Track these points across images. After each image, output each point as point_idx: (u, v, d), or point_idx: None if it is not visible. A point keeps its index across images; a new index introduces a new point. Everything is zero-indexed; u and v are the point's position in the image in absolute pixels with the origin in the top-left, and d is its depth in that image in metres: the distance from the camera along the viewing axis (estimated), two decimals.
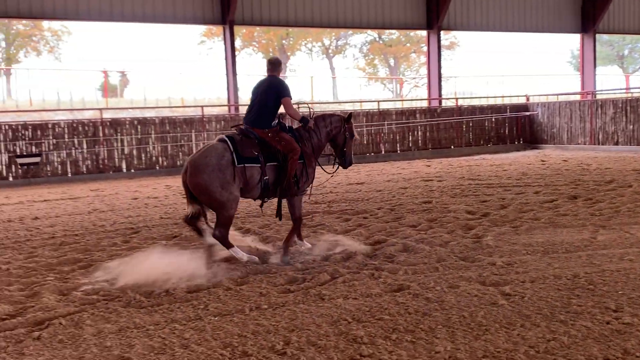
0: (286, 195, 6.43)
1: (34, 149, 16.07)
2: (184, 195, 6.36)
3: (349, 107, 24.43)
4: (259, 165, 6.16)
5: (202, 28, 39.88)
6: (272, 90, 6.36)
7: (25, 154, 15.77)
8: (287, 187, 6.34)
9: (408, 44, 47.56)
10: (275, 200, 6.64)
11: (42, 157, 16.03)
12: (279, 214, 6.67)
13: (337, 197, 10.56)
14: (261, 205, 6.77)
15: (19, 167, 15.72)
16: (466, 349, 3.78)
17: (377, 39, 47.17)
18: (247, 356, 3.75)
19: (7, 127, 16.00)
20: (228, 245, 6.03)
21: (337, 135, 6.86)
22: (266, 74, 6.55)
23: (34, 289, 5.39)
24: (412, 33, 43.35)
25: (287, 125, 6.56)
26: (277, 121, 6.45)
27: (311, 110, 6.83)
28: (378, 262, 5.94)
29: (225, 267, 5.91)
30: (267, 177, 6.21)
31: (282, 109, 6.49)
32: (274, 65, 6.55)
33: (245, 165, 6.07)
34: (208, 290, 5.17)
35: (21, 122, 16.53)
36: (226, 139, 6.15)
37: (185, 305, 4.79)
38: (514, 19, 23.58)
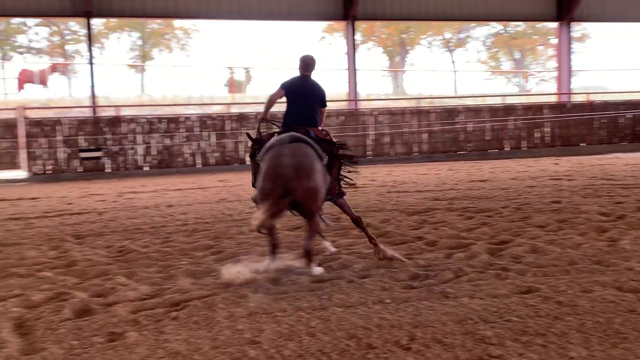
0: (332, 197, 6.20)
1: (167, 141, 17.10)
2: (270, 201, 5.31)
3: (470, 102, 23.80)
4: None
5: (324, 24, 40.45)
6: (318, 94, 6.21)
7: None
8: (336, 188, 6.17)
9: (535, 36, 45.45)
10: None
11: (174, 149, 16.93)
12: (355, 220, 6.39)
13: (458, 194, 10.35)
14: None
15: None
16: (602, 356, 3.57)
17: (502, 31, 45.49)
18: (372, 348, 3.78)
19: (144, 120, 17.17)
20: (312, 259, 5.62)
21: None
22: (300, 72, 6.24)
23: (170, 271, 5.75)
24: (539, 25, 41.37)
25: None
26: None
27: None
28: (504, 262, 5.75)
29: (346, 260, 5.98)
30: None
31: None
32: (310, 65, 6.27)
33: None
34: (331, 282, 5.26)
35: (156, 116, 17.65)
36: (304, 137, 5.80)
37: (310, 295, 4.90)
38: None
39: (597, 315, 4.22)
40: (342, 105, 21.00)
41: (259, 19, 19.83)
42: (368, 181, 13.00)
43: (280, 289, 5.09)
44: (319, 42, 46.53)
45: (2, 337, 4.11)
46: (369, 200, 10.00)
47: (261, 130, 6.30)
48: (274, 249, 5.79)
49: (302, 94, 6.15)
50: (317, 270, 5.57)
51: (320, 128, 6.21)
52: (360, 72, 22.04)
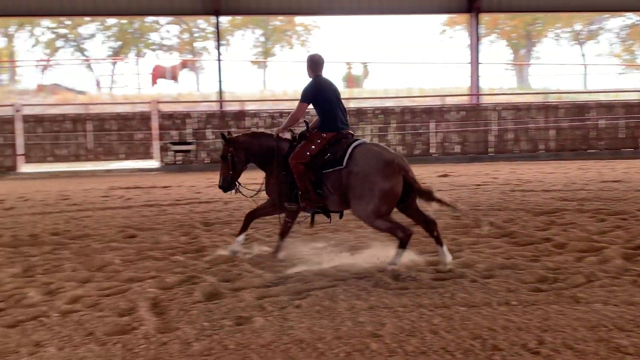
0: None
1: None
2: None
3: (602, 97, 22.36)
4: None
5: (444, 17, 39.65)
6: (339, 92, 6.13)
7: None
8: None
9: None
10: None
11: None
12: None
13: (589, 194, 9.77)
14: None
15: None
16: None
17: (638, 22, 42.26)
18: (498, 350, 3.67)
19: (266, 114, 17.74)
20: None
21: None
22: (314, 73, 6.07)
23: (293, 262, 5.90)
24: None
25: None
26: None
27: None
28: None
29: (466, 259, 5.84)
30: None
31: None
32: (320, 65, 6.10)
33: None
34: (453, 280, 5.16)
35: (277, 110, 18.16)
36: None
37: (432, 292, 4.84)
38: None
39: None
40: (463, 100, 20.49)
41: (381, 14, 19.79)
42: (490, 179, 12.61)
43: (400, 285, 5.07)
44: (439, 35, 45.74)
45: (140, 315, 4.42)
46: (492, 198, 9.70)
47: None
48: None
49: (333, 97, 6.00)
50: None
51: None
52: (483, 65, 21.35)
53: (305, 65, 6.13)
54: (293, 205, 5.94)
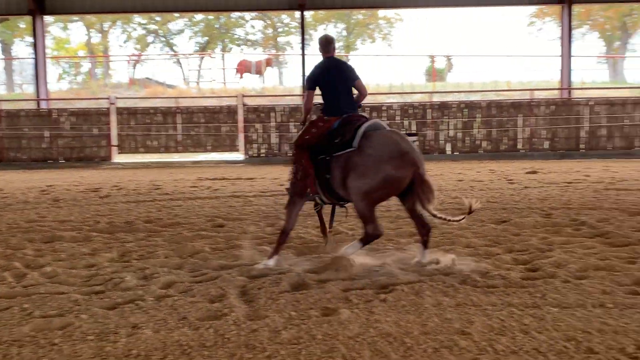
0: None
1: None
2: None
3: None
4: None
5: (533, 9, 38.30)
6: (350, 73, 5.85)
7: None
8: None
9: None
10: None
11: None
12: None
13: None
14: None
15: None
16: None
17: None
18: (594, 353, 3.53)
19: None
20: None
21: None
22: (325, 55, 5.88)
23: (376, 255, 5.90)
24: None
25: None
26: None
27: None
28: None
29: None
30: None
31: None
32: (327, 45, 5.88)
33: None
34: (544, 280, 5.00)
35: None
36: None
37: (521, 292, 4.71)
38: None
39: None
40: (554, 94, 19.74)
41: (466, 6, 19.38)
42: (582, 176, 12.11)
43: (488, 283, 4.97)
44: (527, 27, 44.21)
45: (230, 302, 4.55)
46: (584, 197, 9.31)
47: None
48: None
49: (336, 82, 5.79)
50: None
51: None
52: (574, 58, 20.49)
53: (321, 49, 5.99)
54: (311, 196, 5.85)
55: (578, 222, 7.32)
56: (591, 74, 35.36)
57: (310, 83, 5.90)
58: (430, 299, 4.55)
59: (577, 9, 34.32)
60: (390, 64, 48.18)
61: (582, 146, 17.49)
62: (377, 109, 17.87)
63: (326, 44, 5.92)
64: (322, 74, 5.84)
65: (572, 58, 18.88)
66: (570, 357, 3.50)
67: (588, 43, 42.92)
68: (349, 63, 6.12)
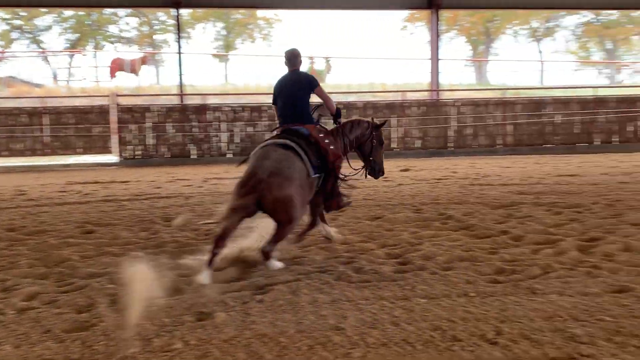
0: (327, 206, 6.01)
1: (250, 129, 17.47)
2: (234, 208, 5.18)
3: (558, 93, 22.89)
4: (319, 175, 5.72)
5: (405, 13, 39.97)
6: (303, 85, 5.89)
7: None
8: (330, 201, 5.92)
9: (630, 25, 43.05)
10: None
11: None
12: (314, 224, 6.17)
13: (545, 188, 10.01)
14: None
15: None
16: None
17: (593, 20, 43.37)
18: (457, 341, 3.74)
19: (228, 108, 17.62)
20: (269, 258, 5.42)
21: (363, 143, 6.35)
22: (289, 69, 6.00)
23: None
24: (635, 13, 39.12)
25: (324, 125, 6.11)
26: (317, 119, 6.10)
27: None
28: (596, 260, 5.52)
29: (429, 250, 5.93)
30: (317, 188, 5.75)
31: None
32: (293, 59, 5.99)
33: (315, 175, 5.62)
34: (414, 273, 5.23)
35: (239, 105, 18.06)
36: (292, 145, 5.57)
37: (393, 285, 4.89)
38: None
39: None
40: (424, 96, 20.72)
41: (343, 9, 19.84)
42: (450, 173, 12.80)
43: (362, 278, 5.11)
44: (400, 31, 46.10)
45: (99, 312, 4.34)
46: (451, 192, 9.85)
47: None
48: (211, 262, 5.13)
49: (284, 97, 5.91)
50: (277, 264, 5.40)
51: (315, 127, 5.91)
52: (443, 61, 21.63)
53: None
54: None
55: (445, 216, 7.72)
56: (459, 76, 37.53)
57: (273, 97, 6.11)
58: (306, 297, 4.60)
59: (444, 14, 36.28)
60: (271, 64, 48.38)
61: (450, 145, 18.50)
62: (257, 109, 17.84)
63: (286, 58, 6.03)
64: (276, 88, 6.03)
65: (440, 61, 19.90)
66: (436, 346, 3.68)
67: (456, 47, 45.53)
68: (312, 76, 6.07)
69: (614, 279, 4.92)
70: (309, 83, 5.94)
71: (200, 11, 37.56)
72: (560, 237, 6.38)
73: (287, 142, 5.59)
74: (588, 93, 19.83)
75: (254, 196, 5.16)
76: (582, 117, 18.54)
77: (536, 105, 18.82)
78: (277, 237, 5.40)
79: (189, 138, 17.25)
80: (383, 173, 6.61)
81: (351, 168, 6.34)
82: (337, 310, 4.30)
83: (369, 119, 6.50)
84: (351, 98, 23.75)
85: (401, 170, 13.60)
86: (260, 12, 42.40)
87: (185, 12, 34.86)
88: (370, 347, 3.67)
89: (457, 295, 4.61)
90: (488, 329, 3.91)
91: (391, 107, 18.36)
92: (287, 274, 5.22)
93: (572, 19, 44.12)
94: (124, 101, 18.64)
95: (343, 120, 6.38)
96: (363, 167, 6.49)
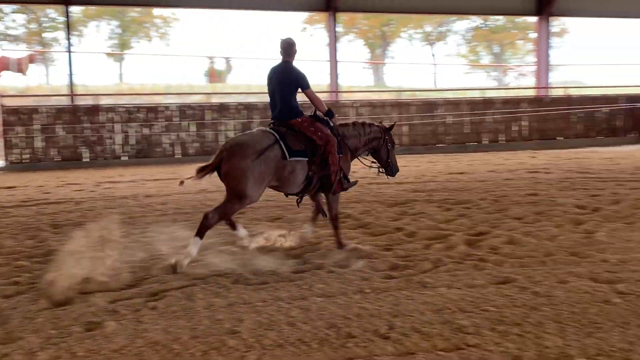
0: (326, 191, 6.16)
1: (146, 131, 16.95)
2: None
3: (449, 95, 23.93)
4: (306, 159, 5.85)
5: (305, 15, 40.31)
6: (292, 82, 5.98)
7: None
8: (331, 184, 6.03)
9: (515, 31, 45.76)
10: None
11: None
12: (323, 212, 6.27)
13: (437, 186, 10.42)
14: (299, 201, 6.27)
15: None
16: (578, 345, 3.65)
17: (482, 25, 45.73)
18: (352, 337, 3.82)
19: (122, 109, 16.99)
20: (202, 235, 5.47)
21: (379, 147, 6.69)
22: (283, 59, 6.05)
23: (150, 262, 5.71)
24: (519, 19, 41.66)
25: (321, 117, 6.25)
26: (312, 112, 6.26)
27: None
28: (482, 253, 5.82)
29: (326, 251, 6.00)
30: (311, 172, 5.88)
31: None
32: (288, 49, 6.05)
33: (293, 159, 5.73)
34: (312, 272, 5.28)
35: (134, 105, 17.46)
36: (271, 131, 5.83)
37: (290, 285, 4.92)
38: (636, 3, 21.93)
39: (573, 306, 4.30)
40: (323, 97, 20.96)
41: (240, 9, 19.66)
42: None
43: (260, 279, 5.09)
44: (300, 33, 46.40)
45: None
46: (349, 191, 9.99)
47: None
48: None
49: (272, 86, 6.06)
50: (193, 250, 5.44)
51: (300, 119, 6.05)
52: (342, 63, 22.01)
53: None
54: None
55: (344, 214, 7.85)
56: (357, 78, 38.34)
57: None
58: (202, 302, 4.53)
59: (342, 17, 36.95)
60: (168, 63, 47.22)
61: None
62: (153, 110, 17.34)
63: (287, 47, 6.04)
64: (268, 79, 6.12)
65: (339, 63, 20.19)
66: (331, 344, 3.74)
67: (354, 50, 46.43)
68: (302, 77, 5.98)
69: (498, 271, 5.21)
70: (296, 83, 5.98)
71: (93, 9, 36.00)
72: (450, 232, 6.68)
73: (268, 129, 5.92)
74: (477, 95, 20.82)
75: (217, 161, 5.58)
76: (472, 118, 19.46)
77: (429, 106, 19.55)
78: (221, 208, 5.57)
79: (80, 140, 16.47)
80: (398, 170, 7.01)
81: (366, 166, 6.85)
82: (233, 314, 4.26)
83: (379, 123, 6.82)
84: (252, 99, 23.67)
85: None
86: (156, 11, 41.32)
87: (76, 10, 33.33)
88: (266, 349, 3.67)
89: (352, 292, 4.71)
90: (381, 324, 4.02)
91: None
92: (183, 279, 5.12)
93: (463, 24, 46.31)
94: (10, 102, 17.51)
95: (337, 118, 6.46)
96: (378, 168, 6.88)
